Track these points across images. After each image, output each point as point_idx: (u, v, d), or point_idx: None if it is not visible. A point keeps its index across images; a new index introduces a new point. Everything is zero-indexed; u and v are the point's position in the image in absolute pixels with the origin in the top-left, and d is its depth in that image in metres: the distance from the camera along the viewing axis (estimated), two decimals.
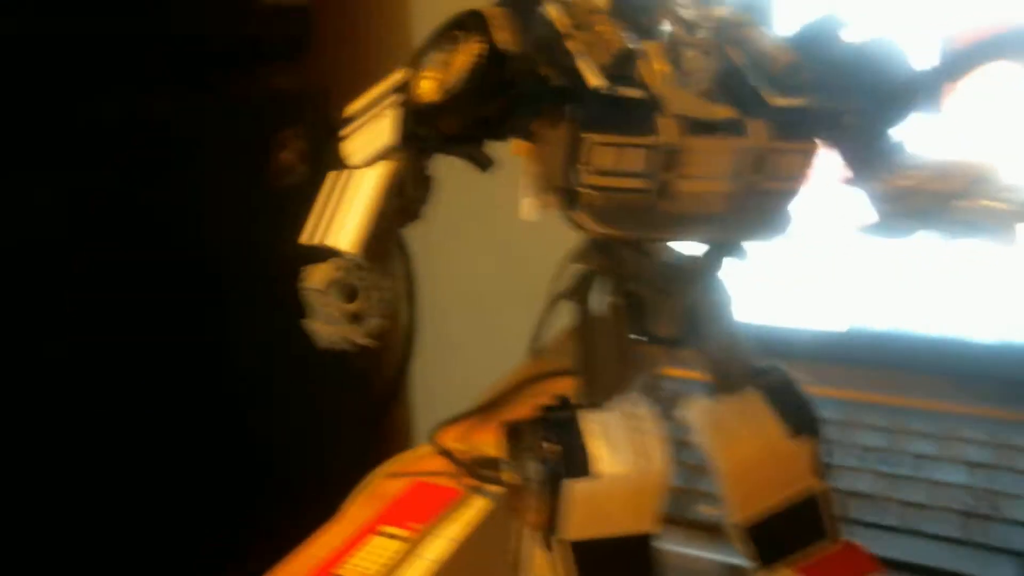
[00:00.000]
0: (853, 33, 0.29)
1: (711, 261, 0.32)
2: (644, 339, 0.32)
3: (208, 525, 0.75)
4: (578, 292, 0.31)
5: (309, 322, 0.29)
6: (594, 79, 0.25)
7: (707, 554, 0.45)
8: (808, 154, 0.28)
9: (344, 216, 0.28)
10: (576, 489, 0.31)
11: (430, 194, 0.30)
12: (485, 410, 0.66)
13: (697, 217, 0.29)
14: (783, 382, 0.35)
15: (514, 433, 0.34)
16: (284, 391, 0.82)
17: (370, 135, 0.29)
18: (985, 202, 0.28)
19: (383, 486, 0.56)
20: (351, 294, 0.28)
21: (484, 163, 0.30)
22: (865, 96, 0.28)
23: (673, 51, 0.27)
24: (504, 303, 0.94)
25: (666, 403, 0.33)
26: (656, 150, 0.26)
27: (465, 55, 0.25)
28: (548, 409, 0.33)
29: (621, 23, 0.27)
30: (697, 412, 0.35)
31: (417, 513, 0.53)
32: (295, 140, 0.77)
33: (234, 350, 0.75)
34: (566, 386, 0.70)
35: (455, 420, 0.63)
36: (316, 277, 0.28)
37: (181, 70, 0.67)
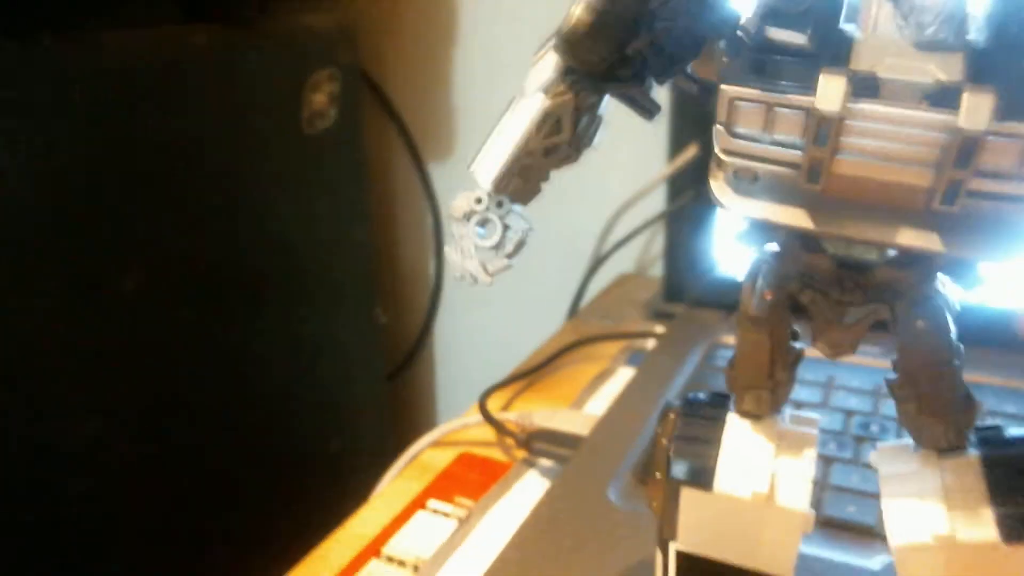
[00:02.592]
0: None
1: (918, 277, 0.25)
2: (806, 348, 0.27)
3: (235, 505, 0.73)
4: (751, 279, 0.26)
5: (447, 249, 0.27)
6: (743, 17, 0.21)
7: (852, 559, 0.38)
8: None
9: (493, 147, 0.26)
10: (693, 498, 0.27)
11: (592, 135, 0.27)
12: (529, 375, 0.63)
13: (868, 210, 0.23)
14: (1008, 447, 0.26)
15: (664, 417, 0.29)
16: (307, 345, 0.79)
17: (541, 66, 0.26)
18: None
19: (427, 457, 0.53)
20: (490, 228, 0.26)
21: (650, 109, 0.27)
22: None
23: None
24: (535, 262, 0.90)
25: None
26: (820, 116, 0.21)
27: None
28: (700, 402, 0.29)
29: None
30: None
31: (466, 487, 0.50)
32: (327, 83, 0.73)
33: (260, 297, 0.72)
34: (609, 352, 0.67)
35: (500, 385, 0.60)
36: (456, 205, 0.26)
37: (215, 5, 0.63)
